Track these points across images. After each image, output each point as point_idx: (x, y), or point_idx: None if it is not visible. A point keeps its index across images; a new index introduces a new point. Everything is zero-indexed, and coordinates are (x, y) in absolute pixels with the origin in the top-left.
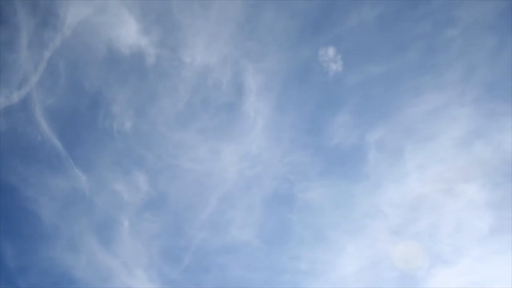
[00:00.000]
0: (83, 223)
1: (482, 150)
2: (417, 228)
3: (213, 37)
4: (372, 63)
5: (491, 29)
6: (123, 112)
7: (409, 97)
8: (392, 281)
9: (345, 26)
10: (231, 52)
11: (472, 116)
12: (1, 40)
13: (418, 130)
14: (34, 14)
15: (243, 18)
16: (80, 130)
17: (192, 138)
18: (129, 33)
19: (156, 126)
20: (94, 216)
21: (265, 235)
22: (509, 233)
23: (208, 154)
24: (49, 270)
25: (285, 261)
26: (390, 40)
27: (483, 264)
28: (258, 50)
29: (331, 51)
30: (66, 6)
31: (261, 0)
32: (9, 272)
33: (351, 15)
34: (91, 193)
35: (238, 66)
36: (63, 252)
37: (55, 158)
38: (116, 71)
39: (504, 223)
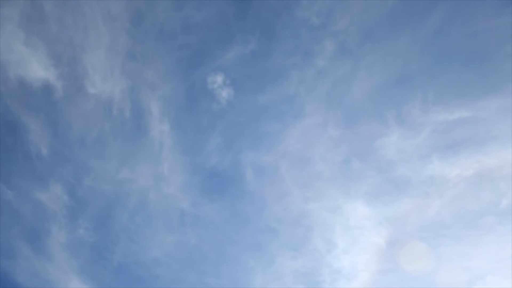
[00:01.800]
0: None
1: (361, 167)
2: (313, 244)
3: (110, 69)
4: (255, 91)
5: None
6: (38, 138)
7: (286, 121)
8: None
9: (229, 57)
10: (128, 82)
11: (345, 136)
12: None
13: (294, 152)
14: None
15: (134, 50)
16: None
17: (105, 161)
18: (36, 68)
19: (71, 151)
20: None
21: (174, 252)
22: (400, 245)
23: (121, 174)
24: None
25: (193, 277)
26: (268, 71)
27: (381, 277)
28: (153, 79)
29: (218, 78)
30: None
31: (145, 35)
32: None
33: (234, 47)
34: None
35: (137, 94)
36: None
37: None
38: (28, 102)
39: (396, 237)
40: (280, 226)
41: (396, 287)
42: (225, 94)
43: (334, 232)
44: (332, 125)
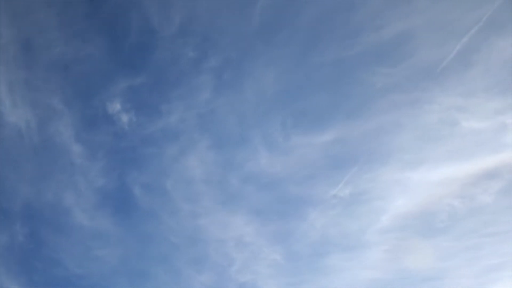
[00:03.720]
0: None
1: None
2: (214, 258)
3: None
4: (143, 119)
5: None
6: None
7: (162, 146)
8: None
9: (122, 87)
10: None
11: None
12: None
13: (177, 171)
14: None
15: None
16: None
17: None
18: None
19: None
20: None
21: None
22: (297, 260)
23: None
24: None
25: None
26: (153, 101)
27: None
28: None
29: (116, 105)
30: None
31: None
32: None
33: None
34: None
35: (44, 121)
36: None
37: None
38: None
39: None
40: (180, 241)
41: None
42: (124, 119)
43: (230, 247)
44: (206, 148)
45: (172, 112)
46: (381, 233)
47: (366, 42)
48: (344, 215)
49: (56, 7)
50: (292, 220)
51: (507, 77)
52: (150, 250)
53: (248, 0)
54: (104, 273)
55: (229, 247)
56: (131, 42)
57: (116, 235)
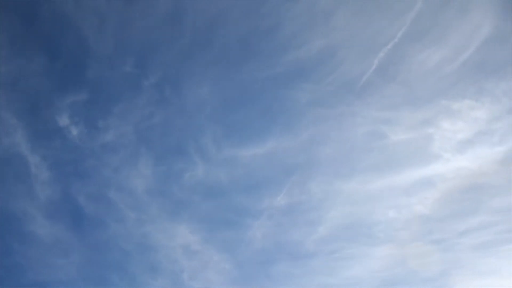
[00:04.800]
0: None
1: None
2: (164, 265)
3: None
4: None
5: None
6: None
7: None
8: None
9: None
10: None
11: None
12: None
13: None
14: None
15: None
16: None
17: None
18: None
19: None
20: None
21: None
22: (246, 268)
23: None
24: None
25: None
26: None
27: None
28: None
29: (65, 119)
30: None
31: None
32: None
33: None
34: None
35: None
36: None
37: None
38: None
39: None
40: (131, 247)
41: None
42: (74, 132)
43: (179, 255)
44: (146, 160)
45: (112, 127)
46: (320, 243)
47: (290, 60)
48: (284, 225)
49: None
50: (238, 229)
51: (427, 89)
52: (103, 257)
53: (179, 20)
54: (60, 281)
55: (178, 254)
56: (69, 60)
57: (69, 243)
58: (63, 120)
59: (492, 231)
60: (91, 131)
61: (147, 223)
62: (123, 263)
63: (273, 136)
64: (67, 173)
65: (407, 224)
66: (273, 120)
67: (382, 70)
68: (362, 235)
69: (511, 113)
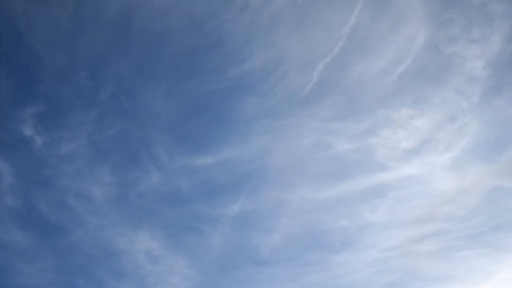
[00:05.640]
0: None
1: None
2: (129, 268)
3: None
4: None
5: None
6: None
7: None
8: None
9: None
10: None
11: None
12: None
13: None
14: None
15: None
16: None
17: None
18: None
19: None
20: None
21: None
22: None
23: None
24: None
25: None
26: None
27: None
28: None
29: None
30: None
31: None
32: None
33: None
34: None
35: None
36: None
37: None
38: None
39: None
40: (94, 252)
41: None
42: (38, 141)
43: (142, 260)
44: (101, 169)
45: (67, 138)
46: (276, 250)
47: (235, 75)
48: (242, 232)
49: None
50: (199, 235)
51: (367, 99)
52: (68, 262)
53: (127, 34)
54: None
55: (141, 259)
56: (24, 74)
57: (34, 249)
58: (27, 130)
59: (446, 238)
60: (51, 141)
61: (108, 228)
62: (89, 268)
63: (226, 146)
64: (30, 180)
65: (360, 232)
66: (224, 131)
67: (323, 83)
68: (318, 243)
69: (454, 120)
